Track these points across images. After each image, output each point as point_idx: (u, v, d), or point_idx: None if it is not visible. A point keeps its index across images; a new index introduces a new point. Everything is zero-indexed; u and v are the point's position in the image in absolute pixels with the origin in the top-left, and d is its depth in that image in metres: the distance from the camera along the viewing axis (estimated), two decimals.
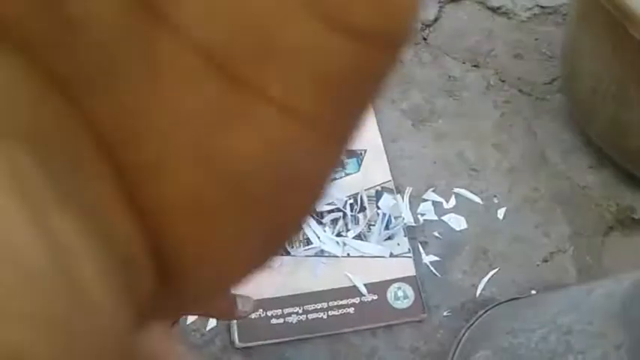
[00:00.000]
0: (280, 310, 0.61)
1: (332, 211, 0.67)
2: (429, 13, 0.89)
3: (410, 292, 0.62)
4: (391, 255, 0.65)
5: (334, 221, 0.67)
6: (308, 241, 0.65)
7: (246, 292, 0.60)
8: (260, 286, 0.62)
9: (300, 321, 0.60)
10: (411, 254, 0.65)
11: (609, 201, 0.72)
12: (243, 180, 0.11)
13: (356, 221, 0.67)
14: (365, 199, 0.68)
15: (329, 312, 0.61)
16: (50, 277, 0.09)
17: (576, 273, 0.67)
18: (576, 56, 0.69)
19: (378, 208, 0.68)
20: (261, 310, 0.60)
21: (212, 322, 0.61)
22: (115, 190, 0.11)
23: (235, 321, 0.60)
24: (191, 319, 0.61)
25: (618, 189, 0.73)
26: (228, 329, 0.60)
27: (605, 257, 0.68)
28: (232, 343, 0.59)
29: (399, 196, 0.70)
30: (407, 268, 0.64)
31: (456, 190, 0.71)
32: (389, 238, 0.66)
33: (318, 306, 0.61)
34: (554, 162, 0.75)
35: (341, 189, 0.69)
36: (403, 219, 0.67)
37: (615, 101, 0.64)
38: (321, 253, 0.64)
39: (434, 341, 0.62)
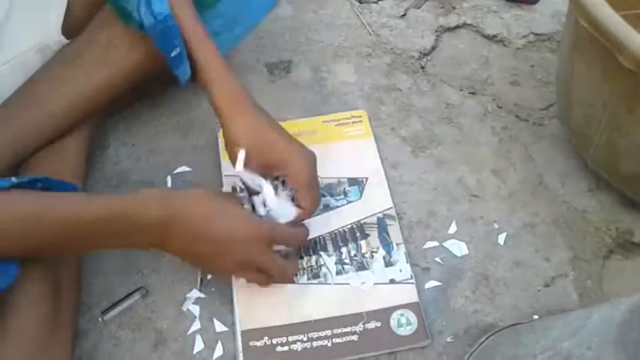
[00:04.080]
0: (285, 338, 0.61)
1: (334, 239, 0.69)
2: (426, 42, 0.91)
3: (413, 318, 0.63)
4: (394, 282, 0.65)
5: (337, 249, 0.68)
6: (312, 269, 0.66)
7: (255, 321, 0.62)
8: (265, 314, 0.63)
9: (305, 349, 0.61)
10: (413, 280, 0.66)
11: (608, 224, 0.73)
12: None
13: (358, 248, 0.68)
14: (367, 226, 0.70)
15: (333, 339, 0.62)
16: None
17: (577, 297, 0.67)
18: (569, 83, 0.71)
19: (380, 235, 0.69)
20: (266, 338, 0.61)
21: (219, 351, 0.62)
22: None
23: (241, 349, 0.60)
24: (197, 348, 0.61)
25: (617, 212, 0.74)
26: (235, 357, 0.61)
27: (605, 281, 0.69)
28: None
29: (399, 223, 0.71)
30: (410, 294, 0.65)
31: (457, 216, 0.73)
32: (391, 264, 0.67)
33: (323, 334, 0.62)
34: (552, 187, 0.76)
35: (343, 216, 0.70)
36: (405, 246, 0.68)
37: (608, 127, 0.65)
38: (324, 281, 0.65)
39: None
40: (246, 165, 0.61)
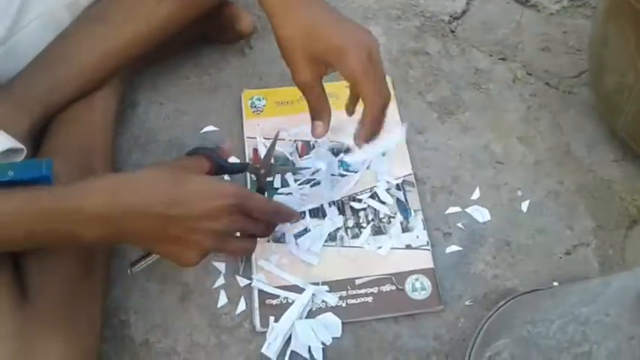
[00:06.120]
0: (301, 297, 0.62)
1: (353, 203, 0.69)
2: (458, 5, 0.90)
3: (427, 283, 0.64)
4: (410, 247, 0.66)
5: (355, 213, 0.68)
6: (329, 233, 0.67)
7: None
8: (282, 274, 0.64)
9: (320, 308, 0.62)
10: (429, 247, 0.66)
11: (633, 195, 0.72)
12: None
13: (376, 214, 0.68)
14: (386, 191, 0.70)
15: (348, 300, 0.63)
16: None
17: (598, 266, 0.67)
18: (602, 51, 0.69)
19: (399, 201, 0.69)
20: (282, 297, 0.63)
21: (241, 306, 0.63)
22: None
23: (257, 306, 0.62)
24: (221, 302, 0.63)
25: None
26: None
27: (627, 250, 0.69)
28: (254, 327, 0.62)
29: (421, 188, 0.71)
30: (425, 260, 0.65)
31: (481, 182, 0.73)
32: (408, 230, 0.67)
33: (338, 294, 0.63)
34: (579, 155, 0.76)
35: (362, 181, 0.71)
36: (422, 212, 0.69)
37: (639, 96, 0.64)
38: (341, 244, 0.66)
39: (456, 329, 0.63)
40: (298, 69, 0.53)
